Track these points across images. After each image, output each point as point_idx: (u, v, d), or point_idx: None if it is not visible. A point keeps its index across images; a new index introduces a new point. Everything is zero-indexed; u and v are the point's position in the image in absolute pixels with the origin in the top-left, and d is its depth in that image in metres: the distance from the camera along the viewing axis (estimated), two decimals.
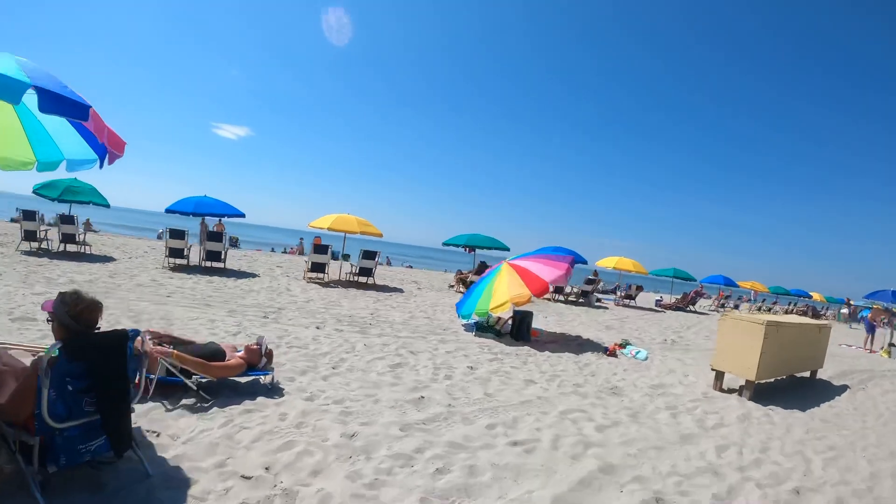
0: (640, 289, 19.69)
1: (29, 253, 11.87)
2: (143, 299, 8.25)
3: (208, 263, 13.00)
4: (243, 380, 4.65)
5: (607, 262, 19.27)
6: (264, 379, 4.68)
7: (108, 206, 13.24)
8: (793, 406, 6.32)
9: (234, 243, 22.03)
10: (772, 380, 7.42)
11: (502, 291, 8.46)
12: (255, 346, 4.59)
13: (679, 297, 22.03)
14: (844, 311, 29.27)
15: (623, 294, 19.51)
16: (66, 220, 12.71)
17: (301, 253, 23.70)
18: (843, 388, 8.08)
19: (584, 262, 17.87)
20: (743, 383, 6.49)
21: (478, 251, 15.76)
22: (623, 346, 8.96)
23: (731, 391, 6.67)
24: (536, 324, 10.99)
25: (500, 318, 9.03)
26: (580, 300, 17.14)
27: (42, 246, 12.70)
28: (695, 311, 20.85)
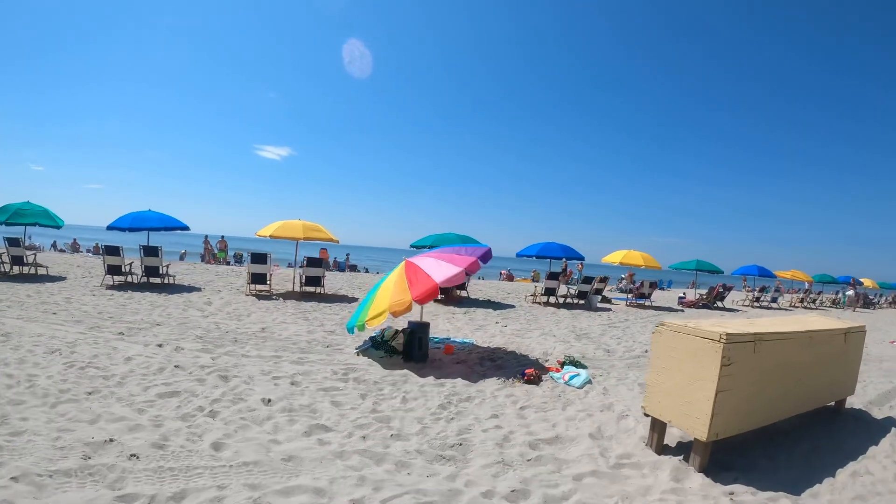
0: (654, 285, 16.09)
1: None
2: (22, 316, 7.11)
3: (148, 279, 11.22)
4: None
5: (613, 258, 15.86)
6: None
7: (58, 227, 11.80)
8: (783, 481, 3.25)
9: (239, 259, 20.53)
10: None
11: (383, 298, 5.85)
12: None
13: (704, 292, 18.14)
14: (850, 293, 22.78)
15: (635, 293, 16.02)
16: (13, 242, 11.41)
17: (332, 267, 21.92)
18: (888, 424, 4.71)
19: (581, 259, 14.71)
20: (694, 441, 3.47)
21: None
22: (565, 364, 6.07)
23: (680, 448, 3.70)
24: (483, 332, 8.24)
25: (397, 332, 6.39)
26: (580, 302, 13.94)
27: None
28: (723, 308, 16.94)
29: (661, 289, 26.82)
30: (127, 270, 11.00)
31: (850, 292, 22.80)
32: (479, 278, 27.82)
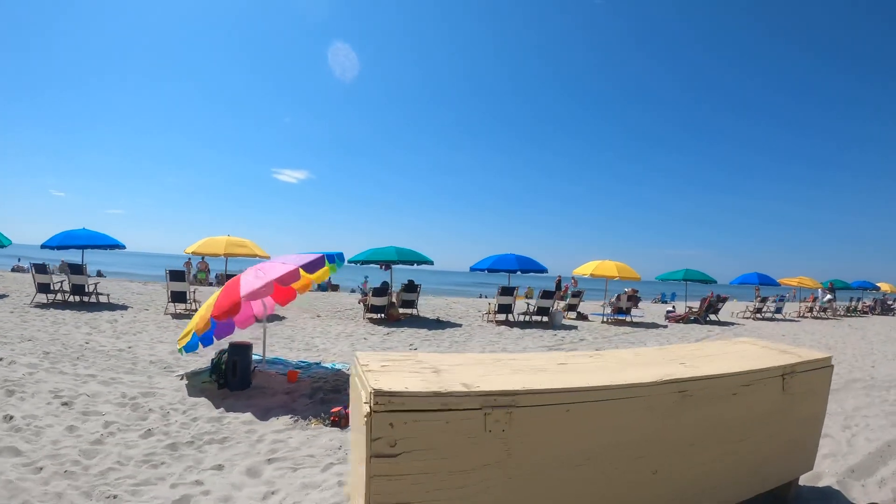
0: (633, 299, 14.38)
1: None
2: None
3: (79, 297, 10.58)
4: None
5: (584, 270, 14.29)
6: None
7: (2, 246, 11.40)
8: None
9: (222, 281, 19.94)
10: None
11: (198, 313, 4.83)
12: None
13: (695, 304, 16.21)
14: (828, 297, 19.09)
15: (613, 307, 14.33)
16: None
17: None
18: None
19: (543, 271, 13.23)
20: None
21: (397, 267, 11.94)
22: None
23: None
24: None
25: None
26: (543, 319, 12.32)
27: None
28: (716, 322, 14.98)
29: (664, 302, 24.73)
30: (56, 288, 10.42)
31: (828, 297, 19.29)
32: (480, 296, 26.26)
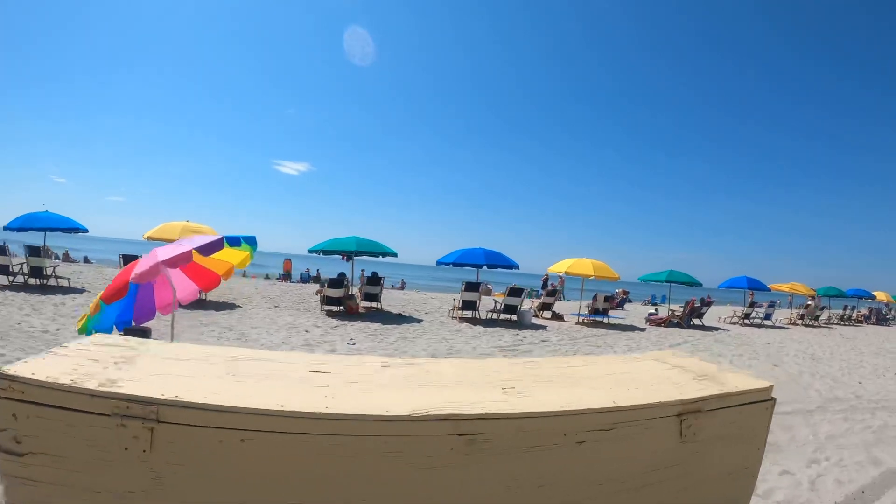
0: (610, 300, 14.08)
1: None
2: None
3: (39, 280, 10.61)
4: None
5: (559, 267, 13.97)
6: None
7: None
8: None
9: None
10: None
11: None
12: None
13: (680, 308, 15.85)
14: (810, 303, 18.78)
15: (590, 308, 14.04)
16: None
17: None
18: None
19: (515, 267, 12.99)
20: None
21: (360, 258, 11.80)
22: None
23: None
24: (307, 349, 6.86)
25: None
26: (513, 318, 12.04)
27: None
28: (699, 327, 14.63)
29: (654, 304, 24.33)
30: (16, 271, 10.46)
31: (810, 303, 18.87)
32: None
